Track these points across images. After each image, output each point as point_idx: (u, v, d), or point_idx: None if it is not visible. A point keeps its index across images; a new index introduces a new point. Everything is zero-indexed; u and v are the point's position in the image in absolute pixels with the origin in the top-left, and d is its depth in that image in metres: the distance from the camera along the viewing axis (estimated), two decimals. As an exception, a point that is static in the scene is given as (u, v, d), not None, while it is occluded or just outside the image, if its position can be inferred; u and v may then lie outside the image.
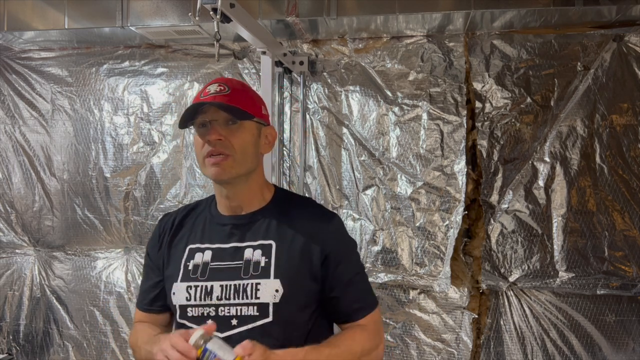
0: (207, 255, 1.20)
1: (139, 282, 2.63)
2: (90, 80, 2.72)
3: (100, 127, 2.71)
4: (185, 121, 1.16)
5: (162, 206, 2.63)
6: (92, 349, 2.71)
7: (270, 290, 1.13)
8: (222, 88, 1.16)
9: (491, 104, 2.32)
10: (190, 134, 2.61)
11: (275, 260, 1.15)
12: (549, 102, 2.27)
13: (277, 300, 1.12)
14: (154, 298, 1.27)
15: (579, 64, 2.25)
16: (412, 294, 2.38)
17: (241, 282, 1.14)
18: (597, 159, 2.23)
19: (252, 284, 1.13)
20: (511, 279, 2.28)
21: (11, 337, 2.81)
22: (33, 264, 2.80)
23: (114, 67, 2.69)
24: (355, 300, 1.21)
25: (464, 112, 2.33)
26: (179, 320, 1.18)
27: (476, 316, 2.34)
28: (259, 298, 1.12)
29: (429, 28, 2.32)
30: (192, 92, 2.61)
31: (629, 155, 2.21)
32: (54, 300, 2.76)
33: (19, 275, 2.81)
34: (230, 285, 1.15)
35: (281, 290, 1.12)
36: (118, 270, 2.70)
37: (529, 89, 2.29)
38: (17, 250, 2.83)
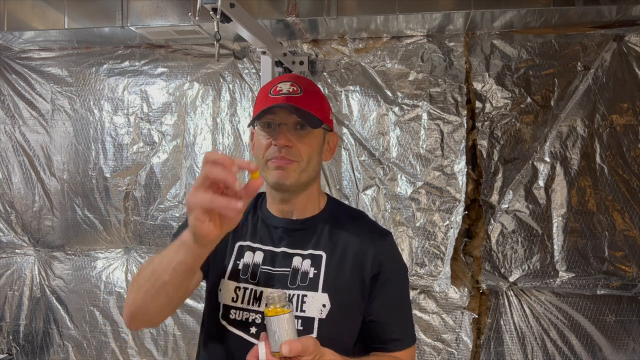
0: (258, 256, 1.12)
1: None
2: (90, 80, 2.72)
3: (100, 127, 2.71)
4: (255, 120, 1.08)
5: (162, 206, 2.63)
6: (92, 349, 2.71)
7: (317, 304, 1.06)
8: (294, 89, 1.09)
9: (491, 104, 2.32)
10: (190, 134, 2.61)
11: (325, 273, 1.08)
12: (549, 102, 2.27)
13: (323, 316, 1.05)
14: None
15: (579, 64, 2.25)
16: (412, 294, 2.38)
17: (288, 292, 1.07)
18: (597, 159, 2.23)
19: (298, 295, 1.07)
20: (511, 279, 2.28)
21: (11, 337, 2.81)
22: (33, 264, 2.80)
23: (114, 67, 2.69)
24: (395, 330, 1.13)
25: (464, 112, 2.32)
26: (220, 320, 1.10)
27: (476, 316, 2.34)
28: (304, 311, 1.05)
29: (429, 28, 2.32)
30: (191, 92, 2.61)
31: (629, 155, 2.21)
32: (54, 300, 2.75)
33: (19, 275, 2.81)
34: None
35: (328, 306, 1.06)
36: (118, 270, 2.70)
37: (529, 89, 2.29)
38: (17, 250, 2.83)
